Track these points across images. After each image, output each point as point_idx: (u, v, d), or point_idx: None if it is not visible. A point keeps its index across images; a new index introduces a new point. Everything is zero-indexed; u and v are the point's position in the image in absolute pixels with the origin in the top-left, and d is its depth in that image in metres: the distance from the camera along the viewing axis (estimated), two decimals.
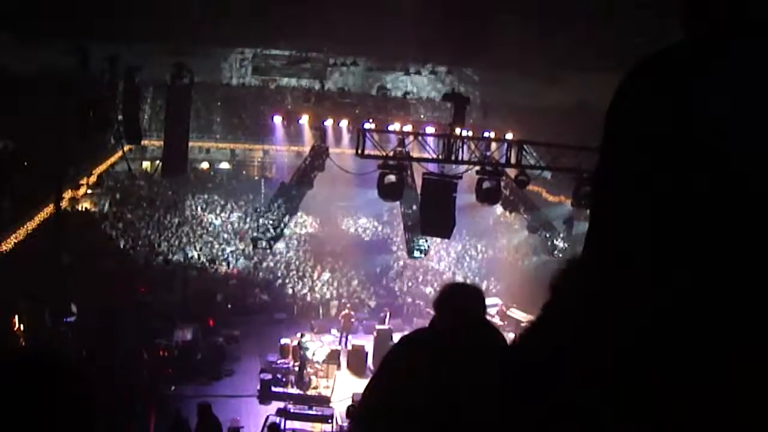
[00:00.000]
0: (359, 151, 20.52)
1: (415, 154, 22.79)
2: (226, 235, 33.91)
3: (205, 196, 37.51)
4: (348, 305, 26.75)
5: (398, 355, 2.93)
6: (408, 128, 27.28)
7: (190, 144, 24.87)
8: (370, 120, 26.53)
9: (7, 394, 1.46)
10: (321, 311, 27.87)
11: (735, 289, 1.30)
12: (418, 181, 21.15)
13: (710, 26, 1.39)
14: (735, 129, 1.32)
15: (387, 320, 24.96)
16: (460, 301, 3.31)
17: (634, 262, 1.51)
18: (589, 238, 1.66)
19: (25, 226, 24.71)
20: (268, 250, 28.07)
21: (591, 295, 1.55)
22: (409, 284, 31.08)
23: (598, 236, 1.62)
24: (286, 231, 28.28)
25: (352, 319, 25.39)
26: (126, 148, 25.52)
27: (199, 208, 36.22)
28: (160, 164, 26.23)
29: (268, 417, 17.82)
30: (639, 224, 1.47)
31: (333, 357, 22.25)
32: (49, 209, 25.11)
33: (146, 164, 38.41)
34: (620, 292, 1.51)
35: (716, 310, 1.34)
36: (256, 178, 40.61)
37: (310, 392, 20.64)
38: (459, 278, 32.34)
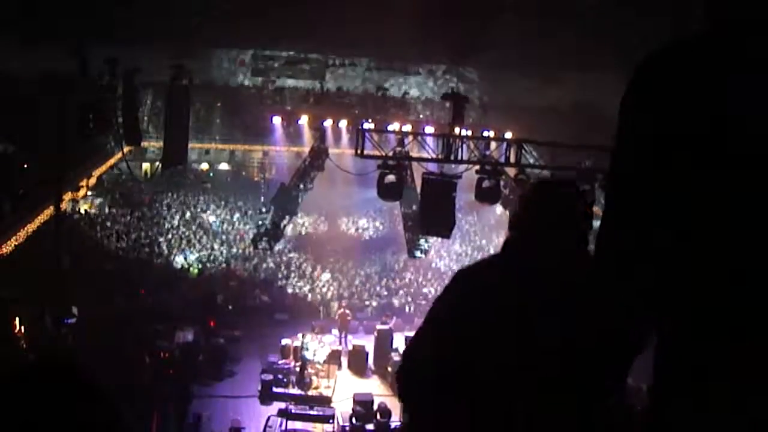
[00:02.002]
0: (358, 151, 20.52)
1: (414, 154, 22.79)
2: (226, 236, 33.92)
3: (205, 197, 37.53)
4: (344, 304, 26.75)
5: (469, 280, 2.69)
6: (407, 128, 27.29)
7: (190, 145, 24.84)
8: (369, 120, 26.49)
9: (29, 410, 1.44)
10: (321, 311, 27.85)
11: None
12: (418, 181, 21.14)
13: (741, 24, 1.40)
14: (757, 126, 1.33)
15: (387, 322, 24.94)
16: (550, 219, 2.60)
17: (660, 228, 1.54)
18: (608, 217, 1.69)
19: (25, 228, 24.71)
20: (269, 251, 28.06)
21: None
22: (410, 284, 31.08)
23: (619, 213, 1.65)
24: (286, 231, 28.26)
25: (349, 318, 25.39)
26: (125, 149, 25.46)
27: (199, 210, 36.23)
28: (159, 164, 26.26)
29: (269, 418, 17.84)
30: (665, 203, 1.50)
31: (334, 357, 22.27)
32: (49, 211, 25.10)
33: (146, 166, 38.37)
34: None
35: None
36: (256, 178, 40.58)
37: (311, 393, 20.64)
38: None
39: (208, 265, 30.80)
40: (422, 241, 25.88)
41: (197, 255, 31.37)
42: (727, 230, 1.38)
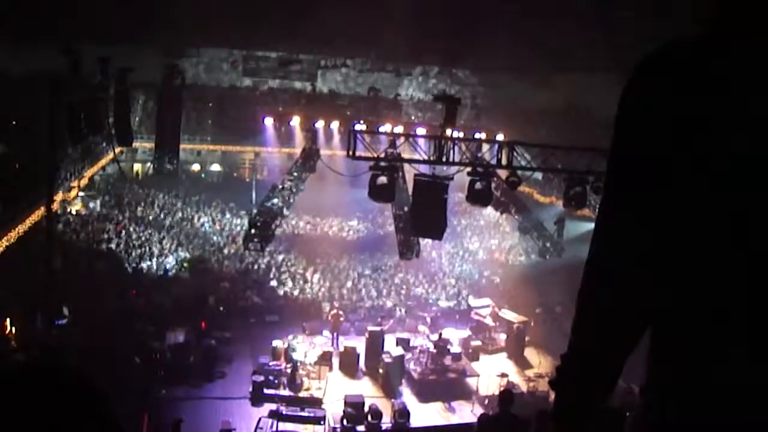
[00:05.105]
0: (350, 153, 20.49)
1: (406, 155, 22.78)
2: (217, 237, 33.84)
3: (197, 198, 37.44)
4: (337, 305, 26.70)
5: None
6: (399, 129, 27.27)
7: (182, 146, 24.79)
8: (361, 121, 26.48)
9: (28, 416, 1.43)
10: (313, 313, 27.77)
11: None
12: (410, 182, 21.11)
13: (733, 25, 1.41)
14: (757, 127, 1.34)
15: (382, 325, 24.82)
16: None
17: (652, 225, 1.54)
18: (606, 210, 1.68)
19: (17, 229, 24.58)
20: (260, 252, 27.98)
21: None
22: (401, 285, 31.05)
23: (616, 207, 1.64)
24: (278, 232, 28.18)
25: (341, 319, 25.31)
26: (117, 150, 25.40)
27: (190, 210, 36.14)
28: (151, 165, 26.25)
29: (260, 419, 17.78)
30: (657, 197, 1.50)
31: (325, 358, 22.22)
32: (41, 212, 24.97)
33: (137, 166, 38.33)
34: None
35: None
36: (248, 179, 40.55)
37: (302, 394, 20.59)
38: (450, 279, 32.32)
39: (200, 266, 30.70)
40: (413, 242, 25.85)
41: (188, 256, 31.28)
42: (726, 233, 1.38)
